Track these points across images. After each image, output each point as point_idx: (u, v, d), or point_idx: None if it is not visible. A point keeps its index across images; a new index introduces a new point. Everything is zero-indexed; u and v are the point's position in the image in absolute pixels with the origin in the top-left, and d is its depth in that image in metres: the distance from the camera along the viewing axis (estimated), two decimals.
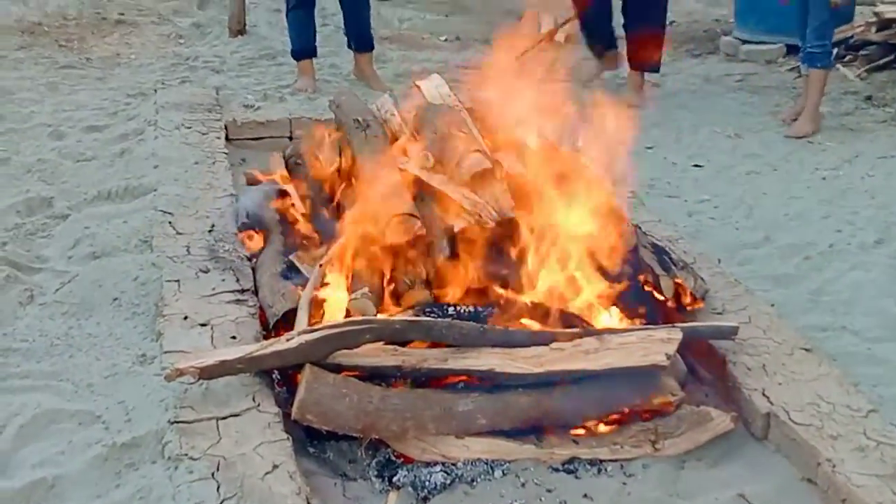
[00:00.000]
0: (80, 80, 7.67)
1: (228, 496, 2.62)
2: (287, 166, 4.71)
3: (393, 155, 4.07)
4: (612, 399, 3.16)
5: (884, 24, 8.77)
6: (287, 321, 3.46)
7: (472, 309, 3.44)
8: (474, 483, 2.94)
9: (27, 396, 3.29)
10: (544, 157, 3.95)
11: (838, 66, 8.67)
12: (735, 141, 6.82)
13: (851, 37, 8.98)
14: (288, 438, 2.88)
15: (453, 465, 2.98)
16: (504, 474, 2.98)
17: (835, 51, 8.73)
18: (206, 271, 3.89)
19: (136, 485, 2.82)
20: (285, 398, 3.14)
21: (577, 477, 3.00)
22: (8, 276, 4.09)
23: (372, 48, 7.81)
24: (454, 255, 3.60)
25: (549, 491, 2.94)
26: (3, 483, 2.86)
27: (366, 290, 3.40)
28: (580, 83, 7.34)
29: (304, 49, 7.61)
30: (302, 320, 3.34)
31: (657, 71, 7.87)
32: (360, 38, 7.71)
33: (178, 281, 3.81)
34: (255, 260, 4.07)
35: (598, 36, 7.93)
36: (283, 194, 4.38)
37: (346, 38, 8.02)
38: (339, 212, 3.96)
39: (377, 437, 3.01)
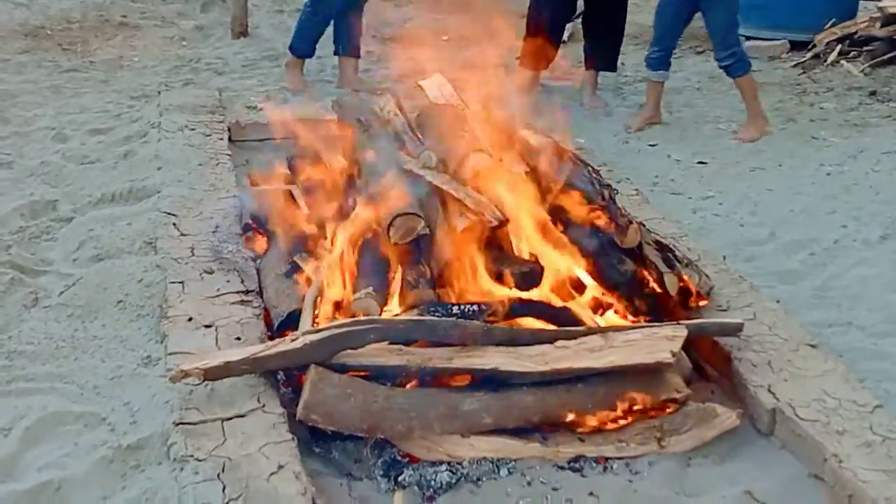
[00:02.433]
0: (84, 83, 7.67)
1: (234, 497, 2.63)
2: (290, 167, 4.71)
3: (396, 155, 4.07)
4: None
5: (888, 19, 8.73)
6: (292, 322, 3.46)
7: (476, 308, 3.44)
8: (480, 482, 2.94)
9: (33, 399, 3.30)
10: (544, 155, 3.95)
11: (842, 61, 8.66)
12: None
13: (856, 32, 8.96)
14: (293, 439, 2.88)
15: (459, 464, 2.98)
16: (510, 473, 2.98)
17: (838, 47, 8.74)
18: (211, 272, 3.89)
19: (141, 486, 2.83)
20: (290, 399, 3.15)
21: (582, 475, 3.00)
22: (13, 279, 4.09)
23: (359, 55, 7.80)
24: (458, 254, 3.61)
25: (554, 489, 2.94)
26: (10, 485, 2.87)
27: (370, 289, 3.40)
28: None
29: (303, 49, 7.64)
30: (306, 321, 3.34)
31: (614, 70, 7.88)
32: (351, 45, 7.68)
33: (182, 282, 3.81)
34: (259, 261, 4.07)
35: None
36: (286, 195, 4.38)
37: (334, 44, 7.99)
38: (342, 212, 3.95)
39: (382, 436, 3.01)
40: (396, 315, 3.38)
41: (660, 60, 6.95)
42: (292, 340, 3.07)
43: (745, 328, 3.47)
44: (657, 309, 3.67)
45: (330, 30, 7.73)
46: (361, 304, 3.36)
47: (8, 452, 3.03)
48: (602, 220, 3.71)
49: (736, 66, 6.80)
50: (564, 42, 8.37)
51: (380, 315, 3.34)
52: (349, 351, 3.07)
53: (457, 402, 3.06)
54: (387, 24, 10.06)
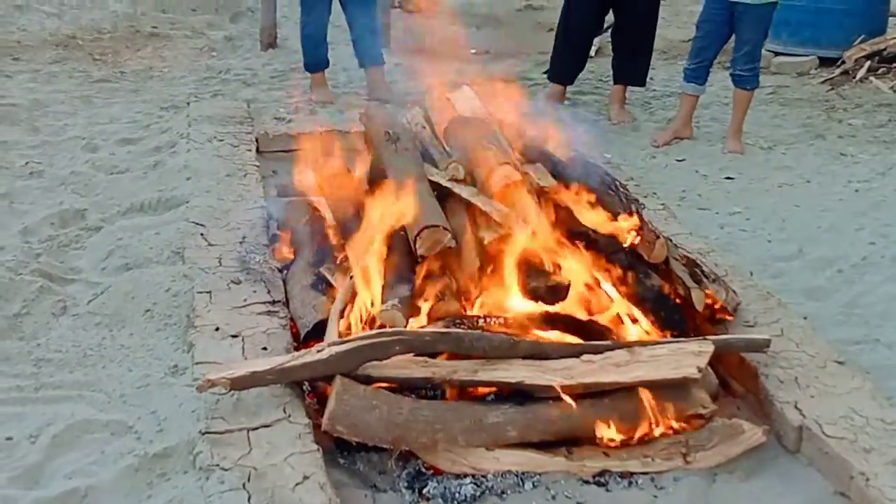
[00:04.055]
0: (114, 94, 7.73)
1: None
2: (318, 178, 4.72)
3: (424, 167, 4.08)
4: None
5: None
6: (318, 332, 3.47)
7: (502, 320, 3.44)
8: (504, 495, 2.94)
9: (60, 406, 3.32)
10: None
11: (871, 77, 8.62)
12: (767, 153, 6.79)
13: (885, 49, 8.92)
14: (318, 449, 2.88)
15: (483, 477, 2.98)
16: (534, 486, 2.98)
17: (867, 63, 8.73)
18: (238, 283, 3.91)
19: (167, 495, 2.83)
20: (316, 409, 3.16)
21: (607, 490, 3.00)
22: (42, 287, 4.12)
23: (383, 62, 7.82)
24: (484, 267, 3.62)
25: (579, 503, 2.93)
26: (37, 493, 2.89)
27: (395, 301, 3.40)
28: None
29: (317, 62, 7.69)
30: (332, 332, 3.35)
31: (643, 85, 7.88)
32: (370, 53, 7.70)
33: (209, 292, 3.83)
34: (286, 271, 4.08)
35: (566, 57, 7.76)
36: (313, 206, 4.40)
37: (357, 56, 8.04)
38: (369, 224, 3.96)
39: (407, 448, 3.01)
40: (422, 327, 3.38)
41: (696, 73, 6.94)
42: (318, 351, 3.07)
43: (772, 344, 3.45)
44: (684, 324, 3.66)
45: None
46: (387, 315, 3.36)
47: (35, 460, 3.05)
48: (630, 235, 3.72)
49: (751, 79, 6.83)
50: (592, 56, 8.38)
51: (405, 327, 3.34)
52: (375, 362, 3.08)
53: (482, 414, 3.06)
54: (415, 36, 10.09)
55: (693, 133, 7.09)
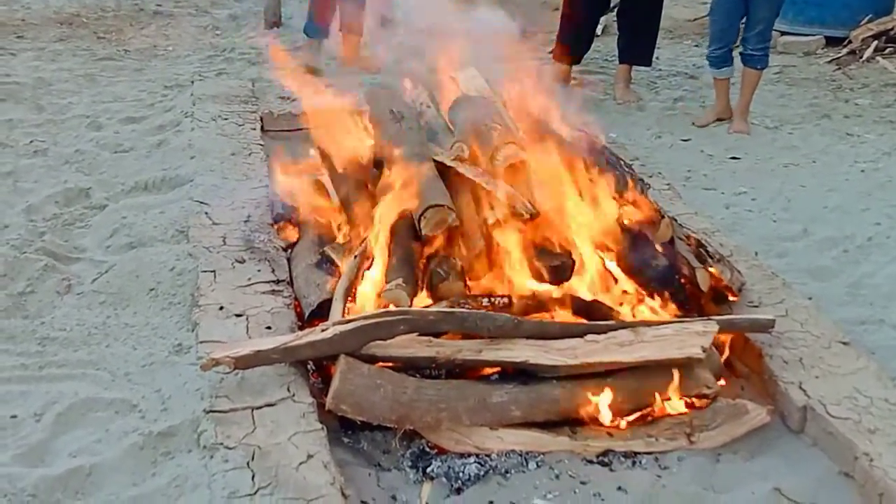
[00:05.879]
0: (118, 72, 7.71)
1: (263, 485, 2.64)
2: (322, 157, 4.71)
3: (428, 146, 4.07)
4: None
5: None
6: (322, 312, 3.47)
7: (506, 300, 3.43)
8: (508, 474, 2.94)
9: (65, 385, 3.32)
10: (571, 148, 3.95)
11: (878, 57, 8.59)
12: (773, 133, 6.77)
13: (892, 28, 8.89)
14: (322, 428, 2.88)
15: (487, 456, 2.98)
16: (538, 466, 2.97)
17: (874, 43, 8.69)
18: (242, 262, 3.91)
19: (171, 473, 2.84)
20: (320, 388, 3.15)
21: (611, 469, 2.99)
22: (46, 266, 4.12)
23: (361, 33, 7.84)
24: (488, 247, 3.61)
25: (583, 483, 2.93)
26: (42, 470, 2.89)
27: (400, 280, 3.40)
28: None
29: (320, 29, 7.68)
30: (337, 311, 3.35)
31: (648, 64, 7.85)
32: (353, 22, 7.69)
33: (213, 271, 3.82)
34: (290, 251, 4.08)
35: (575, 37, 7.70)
36: (318, 185, 4.39)
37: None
38: (374, 203, 3.95)
39: (411, 427, 3.01)
40: (426, 307, 3.38)
41: (721, 58, 6.90)
42: (322, 330, 3.07)
43: (776, 324, 3.45)
44: (688, 304, 3.65)
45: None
46: (391, 295, 3.36)
47: (40, 438, 3.05)
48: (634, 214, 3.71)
49: (762, 58, 6.81)
50: (598, 35, 8.34)
51: (410, 306, 3.34)
52: (379, 342, 3.07)
53: (486, 394, 3.06)
54: (420, 15, 10.04)
55: (732, 113, 7.03)
